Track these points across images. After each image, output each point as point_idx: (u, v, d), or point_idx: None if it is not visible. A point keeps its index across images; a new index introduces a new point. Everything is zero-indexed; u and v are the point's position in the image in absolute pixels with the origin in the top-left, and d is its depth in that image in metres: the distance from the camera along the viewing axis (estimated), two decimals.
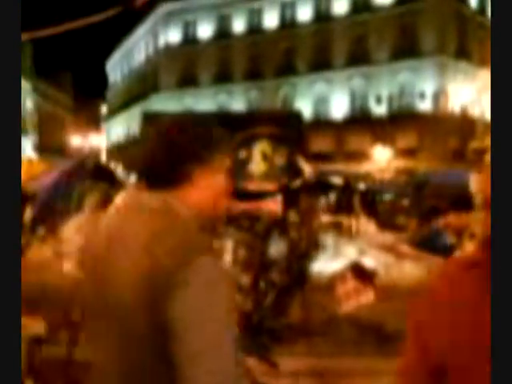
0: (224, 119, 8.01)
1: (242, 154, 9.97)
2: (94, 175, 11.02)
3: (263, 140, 10.19)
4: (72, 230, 6.52)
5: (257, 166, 10.19)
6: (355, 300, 5.45)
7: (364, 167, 32.49)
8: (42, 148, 56.41)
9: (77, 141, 60.89)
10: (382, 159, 34.54)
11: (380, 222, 11.76)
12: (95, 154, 57.63)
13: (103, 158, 61.77)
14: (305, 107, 38.79)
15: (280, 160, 10.11)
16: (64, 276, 6.33)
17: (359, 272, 5.88)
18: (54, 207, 10.51)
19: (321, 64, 42.03)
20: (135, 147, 29.20)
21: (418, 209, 13.19)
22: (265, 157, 10.20)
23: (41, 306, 5.09)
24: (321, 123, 38.87)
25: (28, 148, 54.00)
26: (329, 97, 41.97)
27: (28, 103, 56.28)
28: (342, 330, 5.85)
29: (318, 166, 15.35)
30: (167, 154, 1.44)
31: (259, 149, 10.22)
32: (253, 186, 9.72)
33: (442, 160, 32.30)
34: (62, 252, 6.45)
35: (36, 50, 56.34)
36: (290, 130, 10.34)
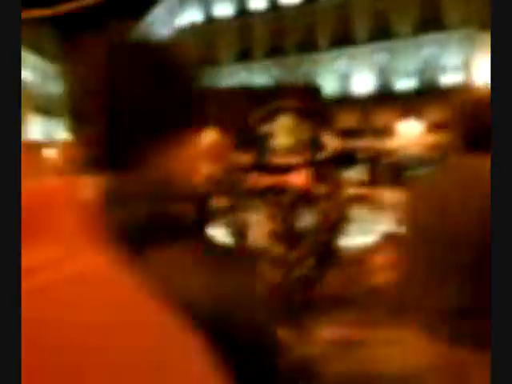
0: (248, 93, 7.83)
1: (266, 127, 9.80)
2: None
3: (287, 114, 10.00)
4: None
5: (281, 139, 10.03)
6: (389, 272, 5.28)
7: (391, 142, 32.03)
8: None
9: None
10: (409, 134, 34.13)
11: None
12: None
13: None
14: (328, 84, 38.24)
15: (304, 134, 9.94)
16: None
17: (392, 243, 5.71)
18: None
19: (343, 40, 41.33)
20: None
21: None
22: (288, 130, 10.06)
23: None
24: (346, 99, 38.34)
25: None
26: (352, 73, 41.32)
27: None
28: (377, 301, 5.68)
29: (346, 141, 15.19)
30: None
31: (283, 122, 10.05)
32: (278, 160, 9.56)
33: None
34: None
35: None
36: (313, 104, 10.18)
